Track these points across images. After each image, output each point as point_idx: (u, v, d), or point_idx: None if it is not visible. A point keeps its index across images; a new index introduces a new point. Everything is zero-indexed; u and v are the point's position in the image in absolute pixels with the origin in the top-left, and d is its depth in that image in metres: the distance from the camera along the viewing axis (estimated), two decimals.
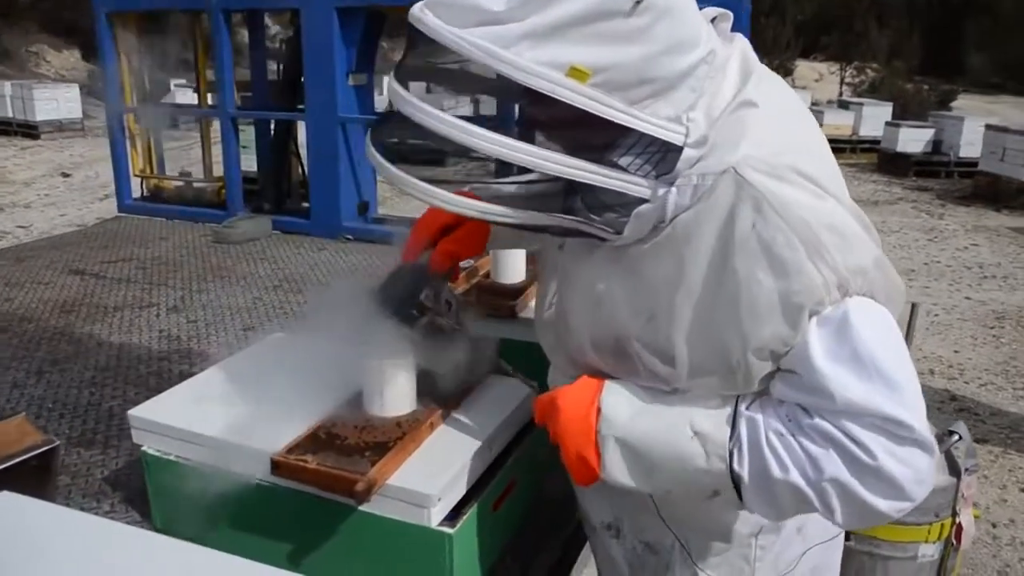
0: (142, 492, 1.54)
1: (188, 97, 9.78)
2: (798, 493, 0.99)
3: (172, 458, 1.47)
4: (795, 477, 0.98)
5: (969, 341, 5.98)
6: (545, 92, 0.86)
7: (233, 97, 4.18)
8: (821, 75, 26.21)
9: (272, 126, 4.39)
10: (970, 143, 11.70)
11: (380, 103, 5.80)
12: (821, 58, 26.66)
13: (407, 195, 0.97)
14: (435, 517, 1.28)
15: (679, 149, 0.93)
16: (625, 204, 0.97)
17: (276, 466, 1.31)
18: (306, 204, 4.25)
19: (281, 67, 4.27)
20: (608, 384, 1.11)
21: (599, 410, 1.09)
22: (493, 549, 1.46)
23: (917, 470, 0.95)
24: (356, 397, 1.47)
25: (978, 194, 11.00)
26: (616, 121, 0.90)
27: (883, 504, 0.96)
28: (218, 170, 4.46)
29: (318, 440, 1.36)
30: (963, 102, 20.54)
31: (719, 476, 1.02)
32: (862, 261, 0.98)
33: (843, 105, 15.72)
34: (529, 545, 1.52)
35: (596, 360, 1.14)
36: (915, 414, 0.95)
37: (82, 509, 1.61)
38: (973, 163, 11.38)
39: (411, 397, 1.45)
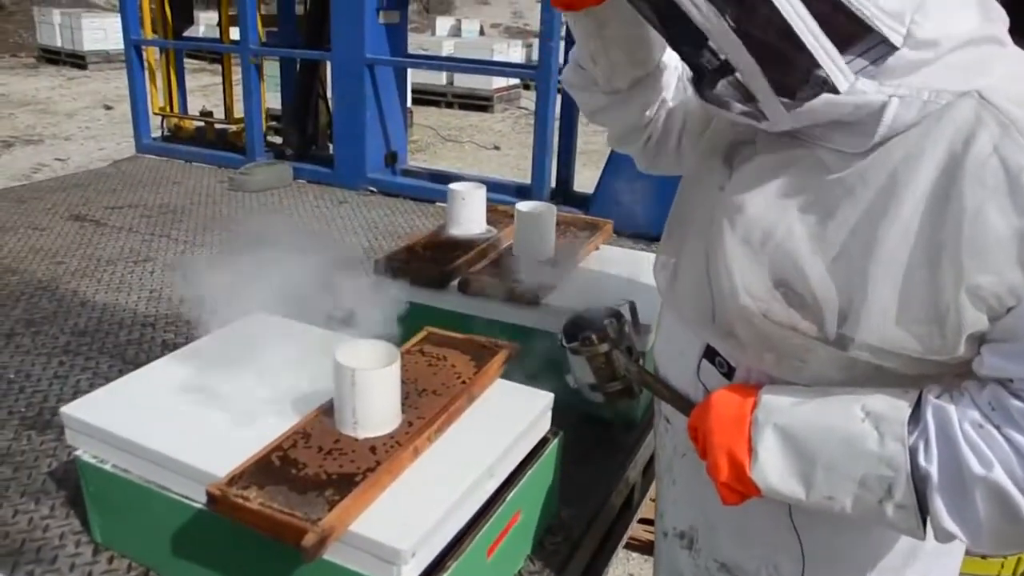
0: None
1: (215, 30, 9.23)
2: (1002, 498, 0.80)
3: (109, 468, 1.23)
4: (998, 475, 0.80)
5: None
6: None
7: (256, 32, 3.88)
8: None
9: (298, 65, 4.09)
10: None
11: (413, 44, 5.42)
12: None
13: None
14: (407, 575, 1.02)
15: (892, 49, 0.79)
16: (812, 83, 0.81)
17: (212, 500, 1.05)
18: (331, 151, 3.96)
19: (308, 0, 3.95)
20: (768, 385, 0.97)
21: (756, 403, 0.94)
22: None
23: None
24: (329, 407, 1.21)
25: None
26: None
27: None
28: (240, 110, 4.19)
29: (269, 467, 1.10)
30: None
31: (895, 464, 0.84)
32: None
33: None
34: None
35: (749, 305, 0.94)
36: None
37: (16, 512, 1.39)
38: None
39: (392, 415, 1.19)
